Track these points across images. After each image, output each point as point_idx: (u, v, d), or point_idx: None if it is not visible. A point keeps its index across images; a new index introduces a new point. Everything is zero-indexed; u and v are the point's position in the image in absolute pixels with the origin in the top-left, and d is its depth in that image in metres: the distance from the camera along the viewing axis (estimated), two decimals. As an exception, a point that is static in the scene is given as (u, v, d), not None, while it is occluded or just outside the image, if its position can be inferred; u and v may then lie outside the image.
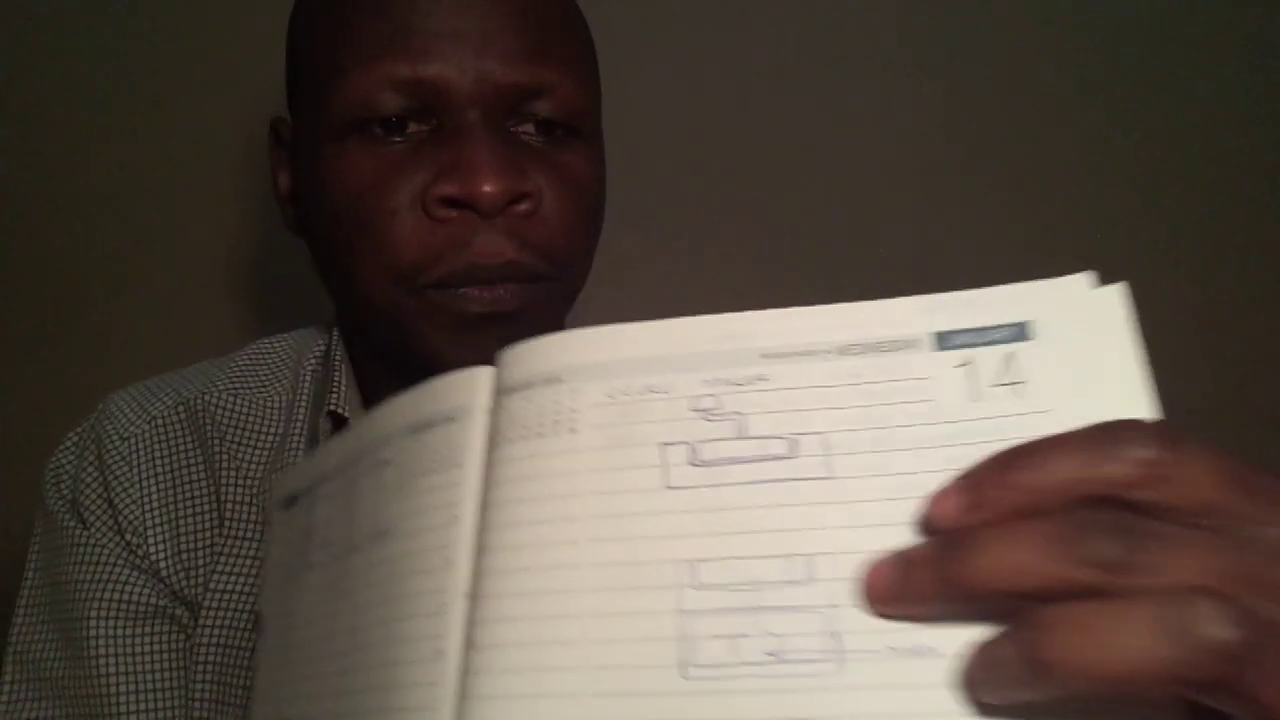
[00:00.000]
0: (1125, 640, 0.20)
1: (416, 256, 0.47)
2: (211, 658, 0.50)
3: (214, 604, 0.51)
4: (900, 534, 0.25)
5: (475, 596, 0.29)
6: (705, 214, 0.90)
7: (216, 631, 0.50)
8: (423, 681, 0.29)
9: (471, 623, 0.29)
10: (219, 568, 0.51)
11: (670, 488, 0.28)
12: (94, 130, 0.86)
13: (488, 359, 0.45)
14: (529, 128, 0.50)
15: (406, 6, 0.47)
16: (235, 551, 0.52)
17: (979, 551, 0.23)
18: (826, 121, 0.88)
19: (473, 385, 0.33)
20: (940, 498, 0.24)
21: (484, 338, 0.48)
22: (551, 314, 0.52)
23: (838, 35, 0.87)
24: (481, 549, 0.30)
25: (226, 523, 0.52)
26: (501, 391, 0.32)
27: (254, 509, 0.52)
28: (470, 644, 0.29)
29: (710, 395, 0.28)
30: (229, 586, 0.51)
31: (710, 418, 0.28)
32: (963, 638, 0.23)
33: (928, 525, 0.24)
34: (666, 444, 0.28)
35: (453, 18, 0.47)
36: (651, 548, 0.27)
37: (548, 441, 0.29)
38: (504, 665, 0.28)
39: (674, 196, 0.89)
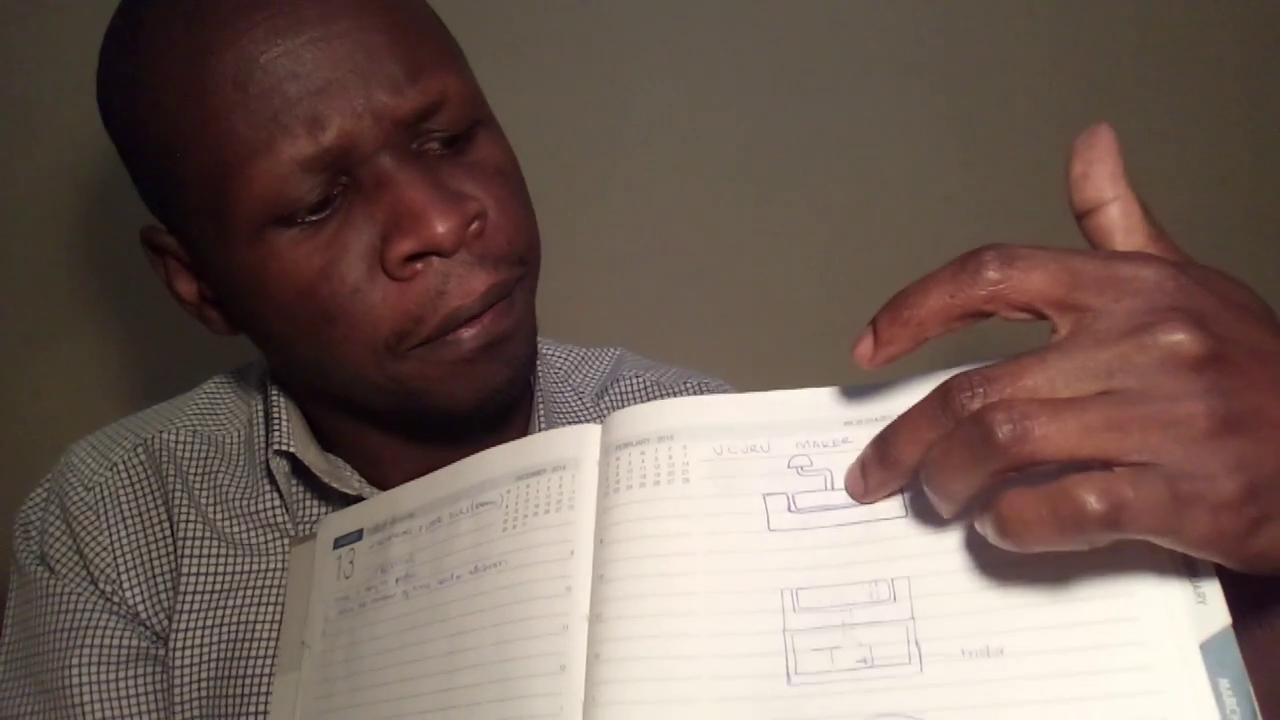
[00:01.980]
0: (954, 460, 0.28)
1: (397, 325, 0.46)
2: (190, 694, 0.51)
3: (183, 642, 0.51)
4: (963, 556, 0.31)
5: (597, 619, 0.34)
6: (704, 213, 0.93)
7: (190, 669, 0.51)
8: (546, 692, 0.34)
9: (596, 640, 0.34)
10: (182, 605, 0.52)
11: (772, 530, 0.34)
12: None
13: (496, 388, 0.49)
14: (434, 144, 0.47)
15: (272, 78, 0.44)
16: (196, 588, 0.52)
17: (893, 444, 0.31)
18: (826, 121, 0.92)
19: (582, 439, 0.38)
20: (857, 345, 0.32)
21: (488, 368, 0.48)
22: (530, 313, 0.52)
23: (837, 35, 0.91)
24: (600, 579, 0.35)
25: (185, 559, 0.52)
26: (614, 446, 0.37)
27: (217, 543, 0.53)
28: (596, 658, 0.34)
29: (802, 454, 0.35)
30: (194, 624, 0.52)
31: (803, 473, 0.34)
32: (1024, 640, 0.30)
33: (856, 363, 0.32)
34: (768, 494, 0.34)
35: (323, 69, 0.44)
36: (758, 579, 0.33)
37: (663, 489, 0.35)
38: (631, 675, 0.33)
39: (673, 195, 0.92)
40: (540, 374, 0.60)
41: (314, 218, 0.45)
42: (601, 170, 0.92)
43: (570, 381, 0.64)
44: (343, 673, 0.41)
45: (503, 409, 0.52)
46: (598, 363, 0.66)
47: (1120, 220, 0.33)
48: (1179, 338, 0.27)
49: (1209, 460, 0.26)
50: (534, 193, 0.52)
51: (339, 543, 0.45)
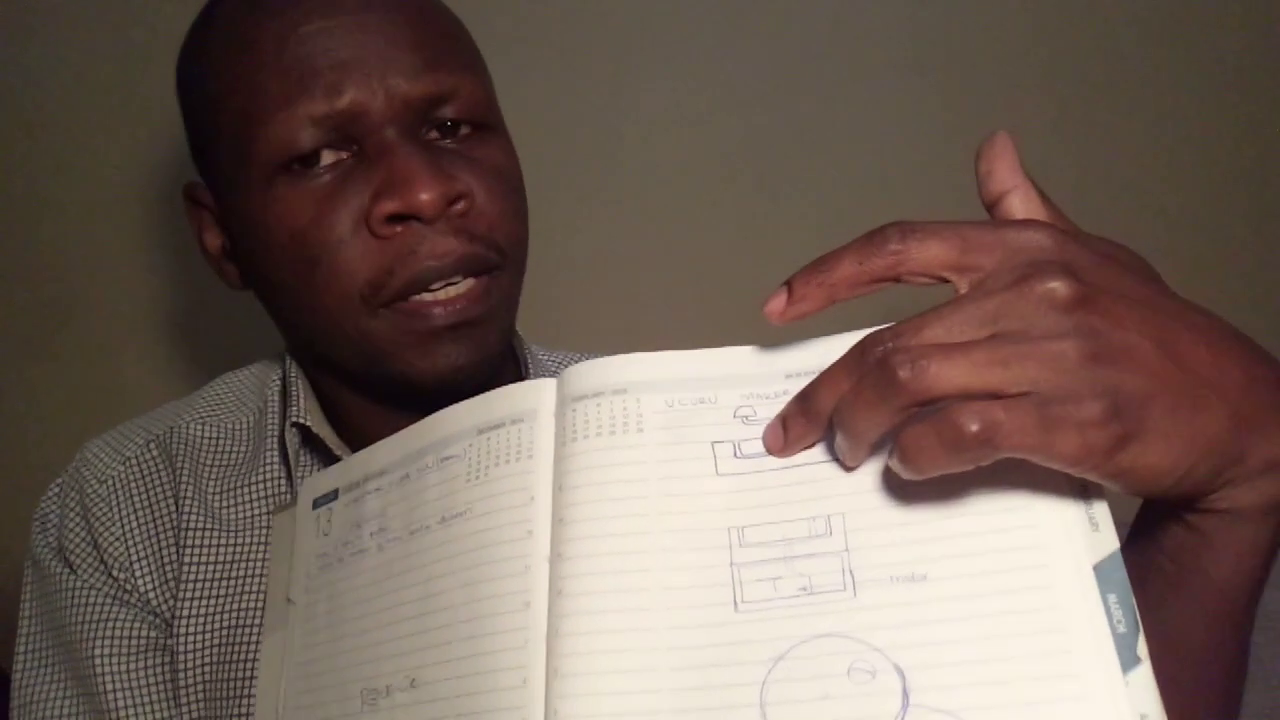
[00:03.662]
0: (861, 402, 0.32)
1: (370, 275, 0.50)
2: (194, 678, 0.53)
3: (186, 629, 0.53)
4: (889, 495, 0.35)
5: (558, 558, 0.37)
6: (703, 215, 0.94)
7: (194, 654, 0.53)
8: (513, 627, 0.37)
9: (557, 578, 0.37)
10: (184, 594, 0.54)
11: (719, 474, 0.37)
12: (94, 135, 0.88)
13: (458, 367, 0.52)
14: (441, 136, 0.53)
15: (305, 47, 0.50)
16: (198, 576, 0.55)
17: (814, 396, 0.35)
18: (826, 121, 0.93)
19: (538, 393, 0.41)
20: (769, 302, 0.36)
21: (453, 347, 0.52)
22: (506, 309, 0.56)
23: (837, 35, 0.91)
24: (559, 521, 0.38)
25: (186, 548, 0.55)
26: (570, 399, 0.40)
27: (218, 533, 0.55)
28: (558, 594, 0.36)
29: (747, 405, 0.38)
30: (197, 611, 0.54)
31: (748, 422, 0.37)
32: (944, 566, 0.33)
33: (766, 318, 0.36)
34: (716, 442, 0.37)
35: (351, 47, 0.50)
36: (707, 518, 0.36)
37: (618, 438, 0.38)
38: (592, 608, 0.36)
39: (671, 197, 0.93)
40: (532, 375, 0.64)
41: (320, 172, 0.51)
42: (599, 173, 0.93)
43: None
44: (325, 624, 0.44)
45: (466, 392, 0.53)
46: None
47: (1021, 204, 0.37)
48: (1054, 284, 0.31)
49: (1078, 386, 0.30)
50: (531, 194, 0.56)
51: (317, 503, 0.47)
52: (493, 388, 0.56)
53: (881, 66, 0.93)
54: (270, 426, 0.60)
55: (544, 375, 0.65)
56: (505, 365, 0.63)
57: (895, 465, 0.32)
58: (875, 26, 0.92)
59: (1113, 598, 0.32)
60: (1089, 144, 0.94)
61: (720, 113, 0.93)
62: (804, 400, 0.35)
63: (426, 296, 0.51)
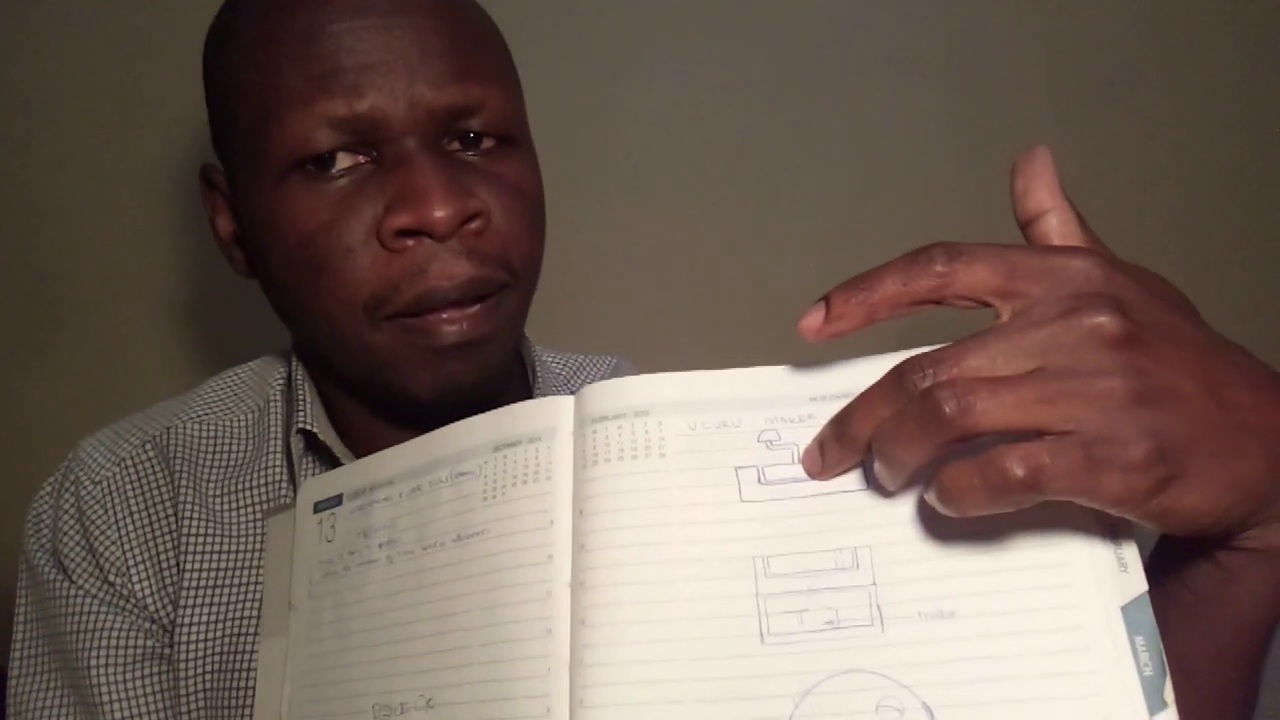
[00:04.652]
0: (904, 433, 0.31)
1: (375, 289, 0.49)
2: (195, 686, 0.52)
3: (186, 636, 0.52)
4: (918, 528, 0.35)
5: (580, 586, 0.37)
6: (704, 214, 0.93)
7: (194, 661, 0.52)
8: (534, 655, 0.37)
9: (580, 606, 0.36)
10: (185, 600, 0.53)
11: (744, 501, 0.36)
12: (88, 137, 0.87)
13: (461, 385, 0.51)
14: (463, 149, 0.51)
15: (332, 45, 0.48)
16: (199, 583, 0.53)
17: (850, 422, 0.34)
18: (826, 121, 0.92)
19: (556, 412, 0.40)
20: (805, 316, 0.35)
21: (456, 365, 0.50)
22: (512, 327, 0.54)
23: (837, 35, 0.91)
24: (580, 548, 0.37)
25: (187, 555, 0.54)
26: (590, 419, 0.39)
27: (220, 538, 0.54)
28: (581, 623, 0.36)
29: (770, 429, 0.37)
30: (197, 619, 0.53)
31: (772, 447, 0.37)
32: (973, 603, 0.33)
33: (800, 334, 0.35)
34: (739, 467, 0.37)
35: (378, 50, 0.48)
36: (732, 547, 0.36)
37: (640, 462, 0.37)
38: (615, 638, 0.35)
39: (673, 196, 0.93)
40: (540, 379, 0.62)
41: (335, 175, 0.49)
42: (600, 171, 0.91)
43: (569, 387, 0.66)
44: (331, 633, 0.43)
45: (468, 408, 0.52)
46: (595, 369, 0.69)
47: (1058, 226, 0.36)
48: (1102, 319, 0.31)
49: (1123, 428, 0.30)
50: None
51: (319, 507, 0.46)
52: (499, 396, 0.55)
53: (881, 65, 0.92)
54: (273, 427, 0.58)
55: (551, 380, 0.65)
56: (512, 372, 0.61)
57: (933, 501, 0.32)
58: (875, 25, 0.91)
59: (1140, 640, 0.32)
60: (1089, 142, 0.93)
61: (720, 113, 0.92)
62: (840, 425, 0.35)
63: (430, 316, 0.49)
